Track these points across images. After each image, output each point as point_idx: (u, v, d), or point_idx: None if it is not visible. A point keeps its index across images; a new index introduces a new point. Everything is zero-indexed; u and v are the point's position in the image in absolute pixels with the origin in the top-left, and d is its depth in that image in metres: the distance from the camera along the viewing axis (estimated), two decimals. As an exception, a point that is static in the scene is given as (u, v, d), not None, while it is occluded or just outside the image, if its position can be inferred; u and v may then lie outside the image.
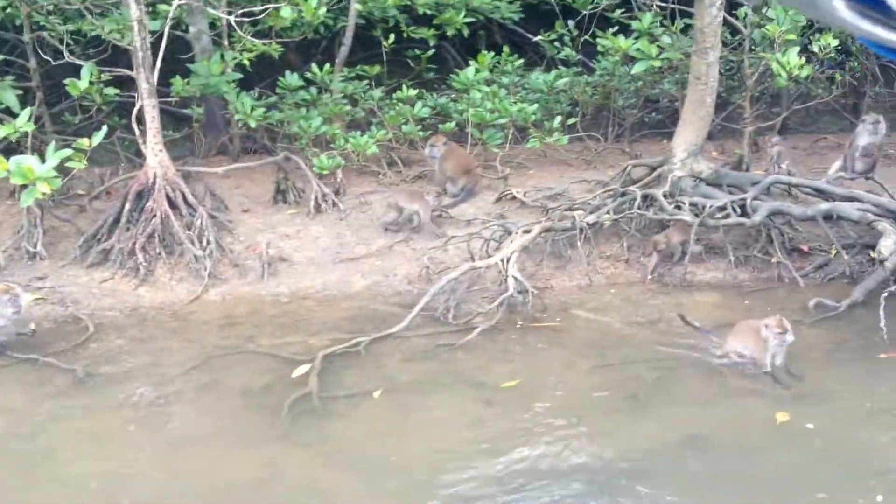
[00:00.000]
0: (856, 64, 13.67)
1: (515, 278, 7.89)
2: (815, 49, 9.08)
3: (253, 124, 10.50)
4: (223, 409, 6.76)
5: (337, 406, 6.63)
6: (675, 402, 6.39)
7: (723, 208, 8.42)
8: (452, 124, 11.39)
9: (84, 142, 8.07)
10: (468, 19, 12.22)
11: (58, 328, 8.07)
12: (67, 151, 8.09)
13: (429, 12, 12.27)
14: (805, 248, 8.58)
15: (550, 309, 8.07)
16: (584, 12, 11.61)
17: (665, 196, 8.90)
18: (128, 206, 9.14)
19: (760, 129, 13.03)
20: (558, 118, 11.13)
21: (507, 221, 9.04)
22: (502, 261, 8.00)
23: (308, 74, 11.44)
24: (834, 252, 8.25)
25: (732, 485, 5.46)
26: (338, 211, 9.99)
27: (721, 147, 11.58)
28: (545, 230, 8.54)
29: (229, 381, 7.10)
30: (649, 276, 8.39)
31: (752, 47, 9.75)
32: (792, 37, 9.01)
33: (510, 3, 13.15)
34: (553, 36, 12.68)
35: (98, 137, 8.08)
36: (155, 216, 9.08)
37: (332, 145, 10.99)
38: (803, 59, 8.80)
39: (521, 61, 12.99)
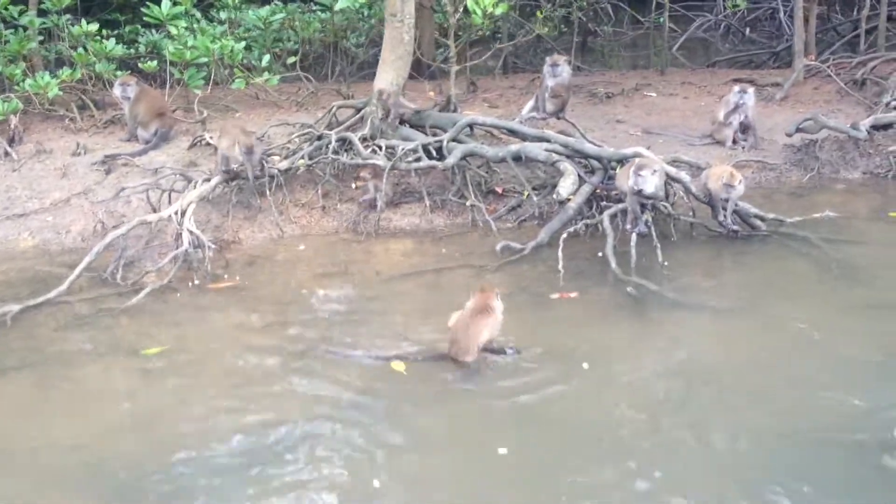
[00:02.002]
0: (584, 3, 13.86)
1: (191, 232, 7.28)
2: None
3: None
4: None
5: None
6: (340, 362, 6.03)
7: (415, 151, 8.15)
8: (155, 63, 10.48)
9: None
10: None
11: None
12: None
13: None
14: (500, 189, 8.48)
15: (235, 264, 7.55)
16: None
17: (364, 139, 8.54)
18: None
19: (486, 67, 13.05)
20: (266, 57, 10.49)
21: (188, 169, 8.38)
22: (176, 213, 7.36)
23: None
24: (526, 194, 8.19)
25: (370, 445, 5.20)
26: (11, 161, 8.96)
27: (439, 87, 11.35)
28: (231, 179, 7.95)
29: None
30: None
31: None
32: (487, -26, 8.80)
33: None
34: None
35: None
36: None
37: (16, 87, 9.88)
38: (500, -3, 8.62)
39: (242, -5, 12.23)
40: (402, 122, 8.89)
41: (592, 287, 6.97)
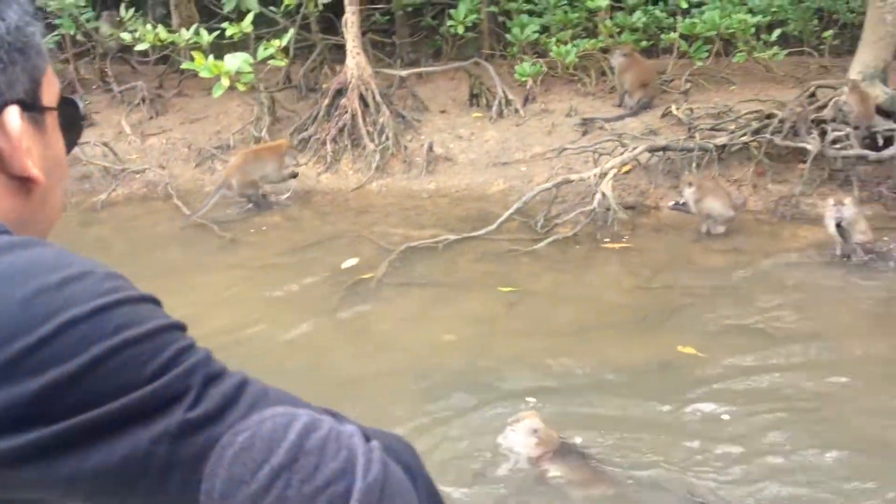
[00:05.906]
0: None
1: (604, 194, 7.97)
2: None
3: (461, 31, 11.27)
4: (309, 280, 7.86)
5: (387, 292, 7.44)
6: (680, 330, 6.29)
7: (847, 137, 7.65)
8: (675, 35, 11.10)
9: (275, 42, 9.45)
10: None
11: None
12: (270, 50, 9.59)
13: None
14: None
15: (643, 228, 8.06)
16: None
17: (827, 121, 8.23)
18: (327, 101, 10.56)
19: None
20: (778, 31, 10.38)
21: (647, 137, 8.98)
22: (595, 175, 8.10)
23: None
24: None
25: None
26: (518, 117, 10.49)
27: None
28: (659, 149, 8.39)
29: (327, 258, 8.21)
30: None
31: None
32: None
33: None
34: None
35: (286, 38, 9.47)
36: (346, 112, 10.39)
37: (550, 53, 11.38)
38: None
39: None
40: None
41: None
